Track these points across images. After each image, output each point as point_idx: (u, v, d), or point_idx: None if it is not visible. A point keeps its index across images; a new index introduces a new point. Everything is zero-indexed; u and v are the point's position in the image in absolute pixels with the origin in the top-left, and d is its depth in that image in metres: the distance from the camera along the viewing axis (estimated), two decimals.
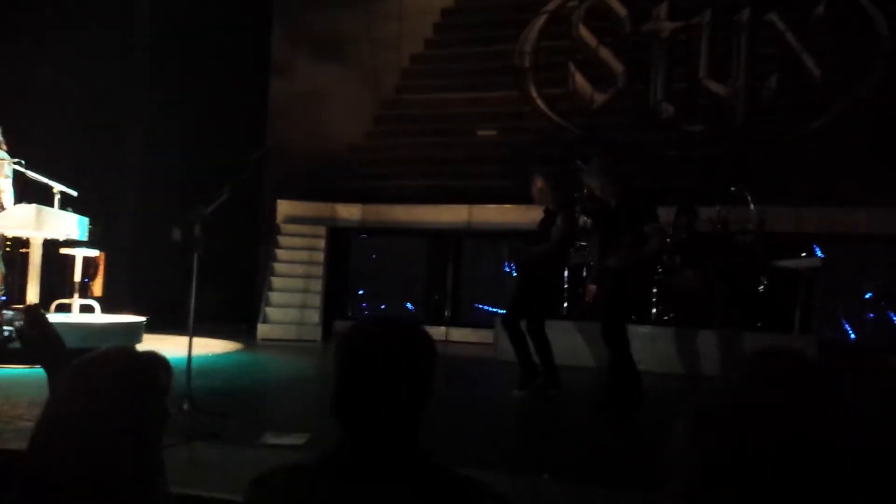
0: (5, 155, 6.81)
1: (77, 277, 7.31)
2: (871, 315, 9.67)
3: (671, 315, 7.80)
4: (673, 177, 9.77)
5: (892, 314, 9.45)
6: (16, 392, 5.22)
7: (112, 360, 1.66)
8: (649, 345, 7.35)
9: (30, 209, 6.53)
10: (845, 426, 0.90)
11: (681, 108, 10.27)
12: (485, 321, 9.98)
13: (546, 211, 6.26)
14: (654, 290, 7.83)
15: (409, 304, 11.41)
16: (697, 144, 10.04)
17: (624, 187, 5.81)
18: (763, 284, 7.78)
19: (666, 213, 8.19)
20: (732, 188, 7.98)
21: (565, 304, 8.44)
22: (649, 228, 5.53)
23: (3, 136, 6.93)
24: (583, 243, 8.46)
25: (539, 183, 6.21)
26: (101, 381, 1.59)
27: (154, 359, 1.72)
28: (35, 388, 4.81)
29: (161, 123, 11.09)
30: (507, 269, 10.74)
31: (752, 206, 7.87)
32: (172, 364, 1.70)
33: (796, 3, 9.89)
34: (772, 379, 0.94)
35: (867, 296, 9.64)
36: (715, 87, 10.18)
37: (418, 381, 1.58)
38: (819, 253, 8.92)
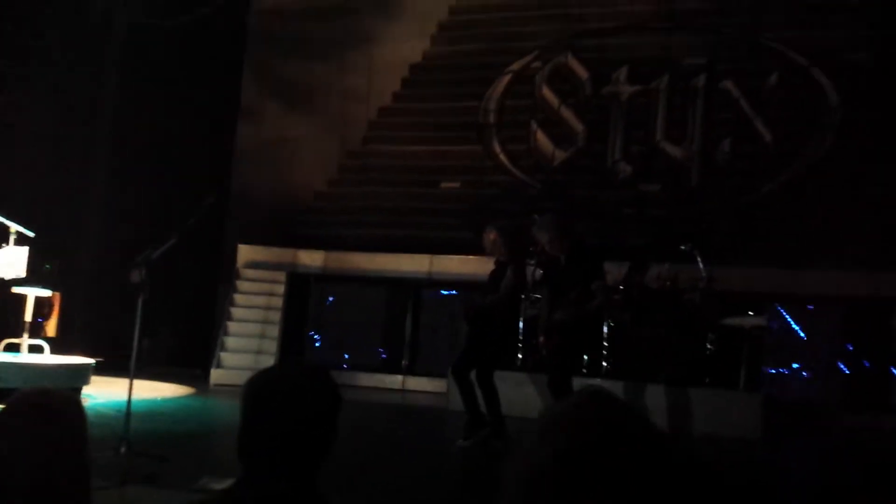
0: None
1: (28, 317, 7.25)
2: (817, 373, 9.89)
3: (619, 369, 7.92)
4: (627, 234, 10.01)
5: (841, 365, 9.67)
6: None
7: (28, 402, 1.70)
8: None
9: None
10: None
11: (638, 168, 10.56)
12: (441, 371, 10.01)
13: (497, 262, 6.38)
14: (605, 345, 7.97)
15: (380, 350, 11.40)
16: (652, 204, 10.31)
17: (573, 243, 6.00)
18: (710, 342, 7.94)
19: (618, 270, 8.44)
20: (682, 247, 8.19)
21: (519, 356, 8.53)
22: (596, 286, 5.73)
23: None
24: (537, 296, 8.60)
25: (492, 235, 6.37)
26: (17, 422, 1.63)
27: (69, 399, 1.76)
28: None
29: (126, 163, 11.15)
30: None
31: (701, 265, 8.07)
32: (119, 406, 1.75)
33: (751, 72, 10.29)
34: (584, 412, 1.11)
35: (814, 354, 9.88)
36: (671, 149, 10.50)
37: (318, 424, 1.66)
38: (769, 313, 9.14)
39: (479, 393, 6.14)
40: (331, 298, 11.80)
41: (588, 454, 1.05)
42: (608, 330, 7.96)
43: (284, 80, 12.00)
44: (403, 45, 11.73)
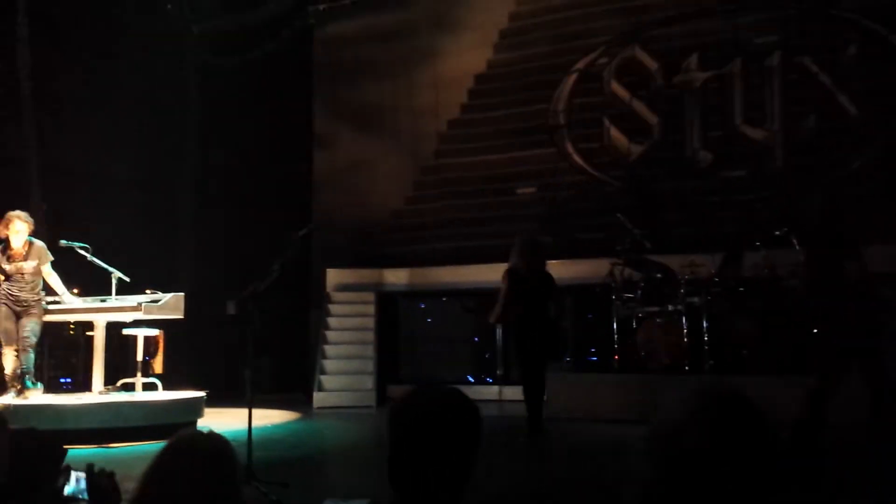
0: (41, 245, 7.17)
1: (139, 357, 7.55)
2: None
3: (721, 363, 7.74)
4: (714, 224, 9.77)
5: None
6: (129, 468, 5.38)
7: (186, 445, 1.77)
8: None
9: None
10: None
11: (719, 155, 10.32)
12: None
13: (531, 272, 6.90)
14: (706, 339, 7.80)
15: (475, 361, 11.40)
16: (738, 190, 10.05)
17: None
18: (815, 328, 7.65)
19: (712, 261, 8.26)
20: (777, 232, 7.94)
21: (615, 357, 8.47)
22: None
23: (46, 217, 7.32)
24: (629, 295, 8.49)
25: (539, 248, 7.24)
26: (180, 465, 1.70)
27: (225, 444, 1.82)
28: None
29: (211, 200, 11.52)
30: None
31: (798, 248, 7.81)
32: (234, 436, 1.82)
33: (827, 45, 9.95)
34: (712, 416, 1.11)
35: None
36: (751, 132, 10.22)
37: (465, 448, 1.68)
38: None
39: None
40: (425, 319, 11.87)
41: (716, 458, 1.04)
42: (707, 324, 7.79)
43: (353, 104, 12.20)
44: (467, 57, 11.79)
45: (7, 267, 7.03)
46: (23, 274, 7.02)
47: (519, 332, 6.77)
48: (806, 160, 9.94)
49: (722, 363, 7.76)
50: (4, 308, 6.99)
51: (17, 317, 6.98)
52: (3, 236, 7.07)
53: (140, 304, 7.07)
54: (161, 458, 1.70)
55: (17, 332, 6.94)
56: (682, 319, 7.99)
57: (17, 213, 7.12)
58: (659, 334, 8.06)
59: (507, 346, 7.50)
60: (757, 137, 10.20)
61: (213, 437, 1.82)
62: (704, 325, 7.84)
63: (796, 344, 7.40)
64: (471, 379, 10.98)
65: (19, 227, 7.04)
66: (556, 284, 7.04)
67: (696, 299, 7.97)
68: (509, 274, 6.81)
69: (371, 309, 10.99)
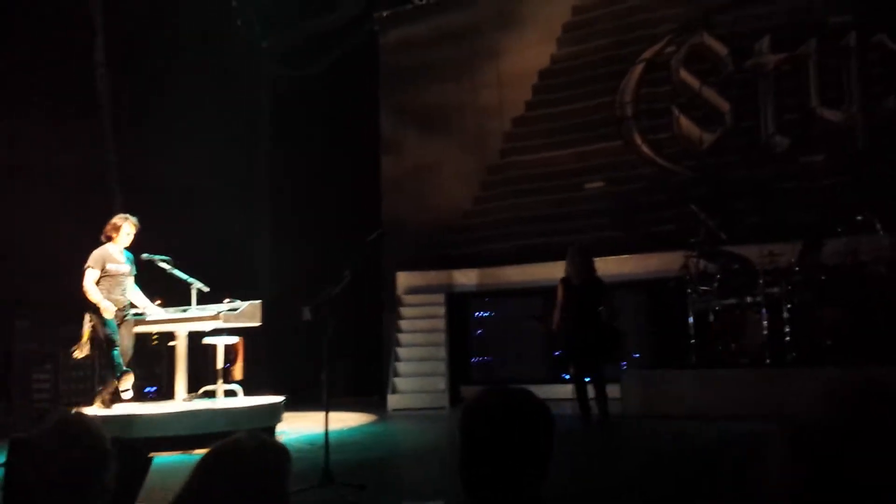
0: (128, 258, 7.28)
1: (220, 364, 7.76)
2: None
3: (804, 354, 7.47)
4: (791, 211, 9.44)
5: None
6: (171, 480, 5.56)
7: (242, 450, 1.77)
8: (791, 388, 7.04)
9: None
10: None
11: (795, 139, 9.97)
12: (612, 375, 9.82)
13: (584, 279, 7.66)
14: (787, 330, 7.55)
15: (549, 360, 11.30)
16: (817, 175, 9.68)
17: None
18: None
19: (792, 249, 7.97)
20: (859, 217, 7.62)
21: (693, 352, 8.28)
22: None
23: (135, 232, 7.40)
24: (705, 288, 8.28)
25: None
26: (231, 469, 1.69)
27: (279, 447, 1.81)
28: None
29: (285, 209, 11.76)
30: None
31: (881, 233, 7.49)
32: (311, 440, 1.82)
33: None
34: (863, 414, 1.07)
35: None
36: (829, 114, 9.84)
37: (539, 450, 1.66)
38: None
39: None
40: (493, 318, 11.85)
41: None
42: (789, 314, 7.53)
43: (419, 107, 12.28)
44: (530, 53, 11.71)
45: (112, 267, 7.00)
46: (124, 276, 7.08)
47: (574, 335, 7.48)
48: (888, 141, 9.51)
49: (805, 355, 7.48)
50: (123, 327, 7.00)
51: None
52: (109, 238, 7.05)
53: (219, 313, 7.26)
54: (204, 463, 1.68)
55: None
56: (761, 311, 7.74)
57: (129, 216, 7.18)
58: (737, 327, 7.84)
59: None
60: (835, 120, 9.81)
61: (259, 441, 1.74)
62: (785, 315, 7.57)
63: (883, 332, 7.10)
64: (544, 379, 10.87)
65: (130, 231, 7.10)
66: (606, 289, 7.76)
67: (776, 290, 7.71)
68: (563, 283, 7.61)
69: (441, 311, 11.03)
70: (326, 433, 4.93)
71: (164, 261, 7.44)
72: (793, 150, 9.95)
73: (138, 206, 10.12)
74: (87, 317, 7.01)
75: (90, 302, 6.92)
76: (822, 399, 1.10)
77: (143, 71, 10.85)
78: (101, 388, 7.15)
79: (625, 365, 8.68)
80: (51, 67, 10.23)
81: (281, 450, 1.71)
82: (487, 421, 1.67)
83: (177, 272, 7.45)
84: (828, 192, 9.37)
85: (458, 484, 1.63)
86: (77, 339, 7.16)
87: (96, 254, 7.00)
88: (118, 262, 7.11)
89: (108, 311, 6.88)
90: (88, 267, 6.95)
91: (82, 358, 7.36)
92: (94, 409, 6.87)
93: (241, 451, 1.68)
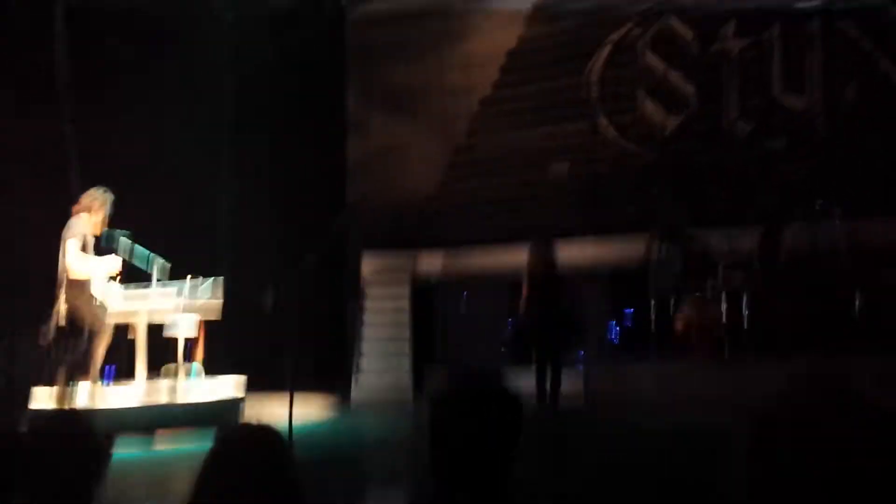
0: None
1: (180, 355, 7.68)
2: None
3: (761, 342, 7.59)
4: (753, 196, 9.55)
5: None
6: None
7: (240, 437, 1.78)
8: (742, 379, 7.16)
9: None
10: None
11: (758, 125, 10.07)
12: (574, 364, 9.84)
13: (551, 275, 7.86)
14: (745, 318, 7.66)
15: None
16: (778, 161, 9.80)
17: None
18: (861, 305, 7.46)
19: (750, 236, 8.08)
20: (817, 204, 7.74)
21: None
22: None
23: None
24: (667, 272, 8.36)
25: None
26: (233, 457, 1.71)
27: (276, 435, 1.82)
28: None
29: (247, 187, 11.58)
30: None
31: (838, 222, 7.61)
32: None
33: (869, 10, 9.60)
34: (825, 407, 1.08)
35: None
36: (792, 101, 9.95)
37: (507, 436, 1.66)
38: None
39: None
40: (458, 301, 11.79)
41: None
42: (747, 302, 7.64)
43: (386, 86, 12.13)
44: (498, 34, 11.63)
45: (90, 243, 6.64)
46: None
47: (535, 324, 7.74)
48: (849, 128, 9.65)
49: (763, 345, 7.59)
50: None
51: None
52: (88, 209, 6.58)
53: (180, 290, 7.17)
54: (213, 456, 1.70)
55: None
56: (720, 298, 7.84)
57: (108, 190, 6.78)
58: (698, 315, 7.93)
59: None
60: (798, 107, 9.92)
61: (262, 429, 1.79)
62: (744, 304, 7.68)
63: (840, 322, 7.24)
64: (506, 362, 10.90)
65: (109, 210, 6.76)
66: (564, 283, 8.02)
67: (736, 277, 7.81)
68: (526, 275, 7.96)
69: (406, 291, 10.99)
70: (290, 423, 4.88)
71: (124, 235, 7.24)
72: (755, 135, 10.05)
73: (97, 182, 9.93)
74: (61, 296, 6.39)
75: (69, 279, 6.36)
76: (786, 392, 1.11)
77: (103, 42, 10.55)
78: (66, 380, 6.57)
79: (582, 353, 8.78)
80: (6, 39, 9.92)
81: (277, 433, 1.77)
82: (456, 407, 1.66)
83: (138, 248, 7.30)
84: (789, 179, 9.49)
85: (426, 474, 1.63)
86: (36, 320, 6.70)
87: (78, 223, 6.48)
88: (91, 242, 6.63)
89: (115, 268, 6.53)
90: (74, 237, 6.39)
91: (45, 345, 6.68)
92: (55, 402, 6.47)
93: (247, 438, 1.73)
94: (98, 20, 10.45)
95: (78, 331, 6.48)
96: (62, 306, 6.40)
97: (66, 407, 6.07)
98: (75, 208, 6.76)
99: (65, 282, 6.43)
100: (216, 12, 11.93)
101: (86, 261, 6.48)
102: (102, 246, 6.96)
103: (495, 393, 1.66)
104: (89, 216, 6.70)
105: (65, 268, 6.40)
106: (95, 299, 6.67)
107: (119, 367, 9.54)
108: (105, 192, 6.83)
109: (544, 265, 7.93)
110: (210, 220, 11.76)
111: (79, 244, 6.46)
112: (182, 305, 7.14)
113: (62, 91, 10.50)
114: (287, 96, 11.65)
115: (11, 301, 9.03)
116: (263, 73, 11.69)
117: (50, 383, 6.76)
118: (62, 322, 6.41)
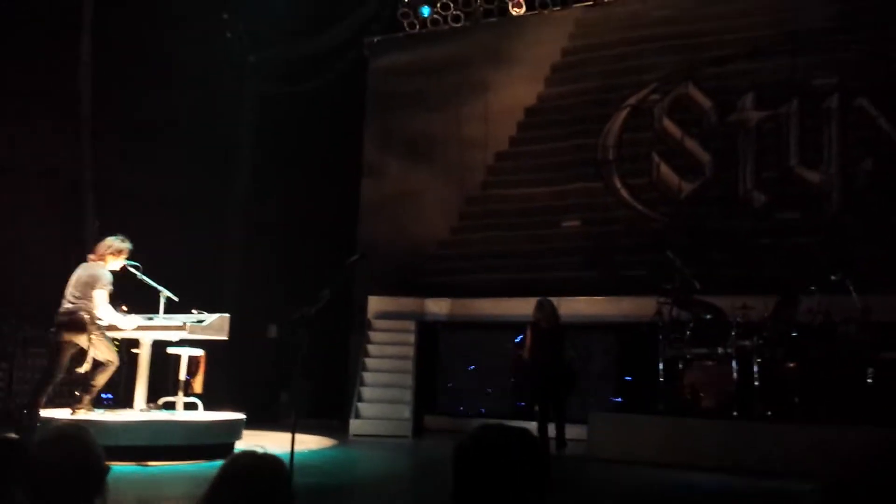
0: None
1: (182, 376, 7.58)
2: None
3: (772, 408, 7.49)
4: (765, 266, 9.54)
5: None
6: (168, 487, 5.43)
7: (243, 464, 1.78)
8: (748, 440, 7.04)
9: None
10: None
11: (773, 196, 10.10)
12: (578, 416, 9.73)
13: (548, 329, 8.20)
14: (756, 384, 7.57)
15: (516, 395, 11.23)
16: (792, 233, 9.81)
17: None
18: (870, 376, 7.38)
19: (764, 304, 8.02)
20: (832, 277, 7.71)
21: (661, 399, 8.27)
22: None
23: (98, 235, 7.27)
24: (677, 335, 8.29)
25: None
26: (236, 483, 1.71)
27: (280, 464, 1.82)
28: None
29: (260, 225, 11.63)
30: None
31: (854, 295, 7.58)
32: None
33: (888, 88, 9.72)
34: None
35: None
36: (807, 174, 10.00)
37: (532, 487, 1.65)
38: None
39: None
40: (463, 350, 11.76)
41: None
42: (759, 368, 7.56)
43: (403, 134, 12.29)
44: (518, 91, 11.81)
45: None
46: None
47: (539, 373, 8.07)
48: (863, 204, 9.68)
49: (772, 409, 7.50)
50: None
51: None
52: (109, 257, 6.91)
53: (185, 323, 7.10)
54: (220, 480, 1.74)
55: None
56: (731, 363, 7.76)
57: (126, 239, 7.06)
58: (707, 377, 7.85)
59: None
60: (813, 180, 9.97)
61: (269, 458, 1.83)
62: (755, 369, 7.60)
63: (850, 392, 7.15)
64: (512, 414, 10.77)
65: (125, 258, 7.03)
66: (566, 334, 8.39)
67: (747, 343, 7.75)
68: (532, 326, 8.27)
69: (411, 338, 10.93)
70: (292, 453, 4.79)
71: (133, 266, 7.26)
72: (770, 206, 10.09)
73: (111, 212, 9.98)
74: (89, 338, 6.71)
75: (93, 321, 6.70)
76: (858, 458, 1.07)
77: (126, 76, 10.71)
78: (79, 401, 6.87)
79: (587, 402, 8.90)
80: (33, 66, 10.08)
81: (281, 462, 1.81)
82: (482, 456, 1.65)
83: (146, 279, 7.28)
84: (802, 250, 9.49)
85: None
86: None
87: (107, 274, 6.84)
88: None
89: (131, 325, 6.92)
90: (104, 288, 6.76)
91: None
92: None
93: (248, 463, 1.77)
94: (122, 55, 10.62)
95: (95, 363, 6.79)
96: (83, 338, 6.70)
97: (66, 422, 6.12)
98: (93, 257, 6.99)
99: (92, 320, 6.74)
100: (241, 52, 12.16)
101: (114, 315, 6.84)
102: None
103: (524, 442, 1.69)
104: (107, 264, 6.96)
105: (89, 310, 6.71)
106: (115, 340, 7.14)
107: (116, 397, 9.48)
108: (123, 240, 6.97)
109: (553, 318, 8.27)
110: (220, 257, 11.78)
111: (107, 296, 6.82)
112: (188, 328, 7.07)
113: (83, 121, 10.60)
114: (304, 138, 11.79)
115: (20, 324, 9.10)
116: (281, 114, 11.85)
117: (52, 403, 6.94)
118: (81, 350, 6.77)
